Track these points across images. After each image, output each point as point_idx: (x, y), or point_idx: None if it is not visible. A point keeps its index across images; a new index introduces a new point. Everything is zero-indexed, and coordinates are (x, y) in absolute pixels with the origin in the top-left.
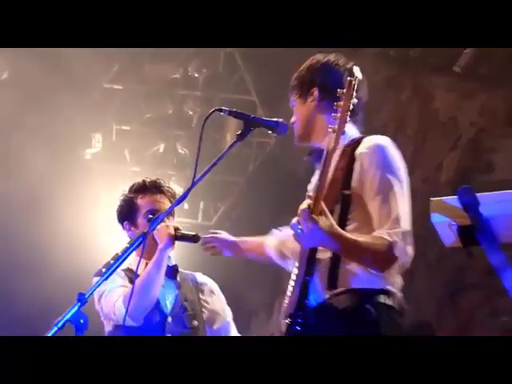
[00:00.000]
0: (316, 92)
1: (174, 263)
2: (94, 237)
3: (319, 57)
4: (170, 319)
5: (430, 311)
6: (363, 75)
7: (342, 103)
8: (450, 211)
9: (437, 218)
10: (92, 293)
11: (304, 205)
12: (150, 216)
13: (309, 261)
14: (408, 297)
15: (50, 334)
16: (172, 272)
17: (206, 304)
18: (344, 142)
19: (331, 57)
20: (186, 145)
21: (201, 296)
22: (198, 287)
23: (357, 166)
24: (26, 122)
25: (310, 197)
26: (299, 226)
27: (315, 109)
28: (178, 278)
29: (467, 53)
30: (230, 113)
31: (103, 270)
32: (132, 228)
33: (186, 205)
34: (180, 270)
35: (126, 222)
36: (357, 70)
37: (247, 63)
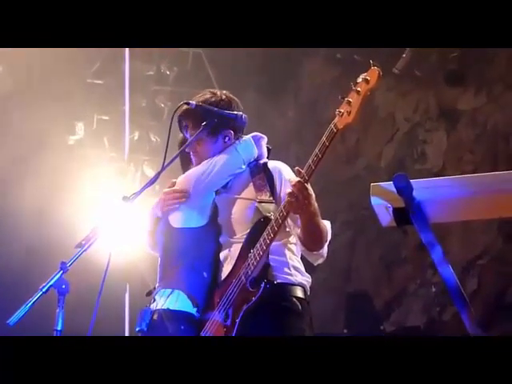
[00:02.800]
0: (231, 134)
1: None
2: (77, 208)
3: (226, 97)
4: None
5: (368, 281)
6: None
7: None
8: (386, 195)
9: (375, 201)
10: (73, 262)
11: (297, 178)
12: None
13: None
14: (350, 269)
15: (35, 298)
16: None
17: None
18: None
19: (234, 98)
20: (158, 134)
21: None
22: None
23: (276, 175)
24: (19, 109)
25: (299, 172)
26: (295, 195)
27: (224, 147)
28: None
29: (405, 57)
30: (197, 106)
31: (83, 242)
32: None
33: (156, 186)
34: None
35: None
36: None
37: (212, 62)
